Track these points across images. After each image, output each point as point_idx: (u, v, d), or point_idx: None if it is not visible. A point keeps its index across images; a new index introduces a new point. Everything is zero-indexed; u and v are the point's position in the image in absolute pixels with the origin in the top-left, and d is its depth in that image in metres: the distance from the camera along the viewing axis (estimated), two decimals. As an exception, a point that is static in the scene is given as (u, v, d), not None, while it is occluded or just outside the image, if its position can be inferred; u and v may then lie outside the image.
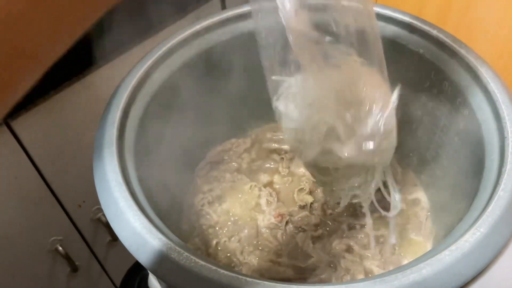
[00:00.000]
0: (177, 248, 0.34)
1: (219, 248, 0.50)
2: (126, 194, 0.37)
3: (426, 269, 0.31)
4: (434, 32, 0.46)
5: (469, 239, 0.32)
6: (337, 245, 0.49)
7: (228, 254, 0.49)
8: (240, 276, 0.32)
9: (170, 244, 0.34)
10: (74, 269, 0.78)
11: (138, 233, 0.35)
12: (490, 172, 0.38)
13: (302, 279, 0.47)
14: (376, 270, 0.48)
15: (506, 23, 0.53)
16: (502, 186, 0.35)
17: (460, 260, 0.31)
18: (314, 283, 0.47)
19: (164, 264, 0.33)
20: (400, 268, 0.32)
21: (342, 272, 0.47)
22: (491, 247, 0.33)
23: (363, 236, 0.50)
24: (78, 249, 0.78)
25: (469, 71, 0.43)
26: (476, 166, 0.41)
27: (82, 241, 0.79)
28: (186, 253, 0.33)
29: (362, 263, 0.48)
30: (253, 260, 0.48)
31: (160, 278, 0.34)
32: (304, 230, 0.50)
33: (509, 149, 0.37)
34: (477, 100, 0.42)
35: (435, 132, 0.50)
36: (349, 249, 0.49)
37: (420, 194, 0.54)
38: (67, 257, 0.75)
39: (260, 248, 0.50)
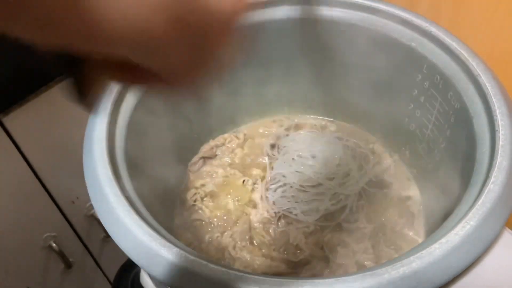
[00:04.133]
0: (167, 243, 0.33)
1: (211, 243, 0.50)
2: (116, 189, 0.37)
3: (416, 263, 0.31)
4: (426, 26, 0.46)
5: (459, 232, 0.32)
6: (330, 239, 0.49)
7: (221, 249, 0.49)
8: (230, 271, 0.32)
9: (160, 239, 0.34)
10: (68, 265, 0.78)
11: (129, 229, 0.35)
12: (481, 165, 0.38)
13: (294, 274, 0.47)
14: (369, 265, 0.48)
15: (498, 17, 0.53)
16: (492, 179, 0.35)
17: (450, 253, 0.32)
18: (306, 277, 0.47)
19: (154, 259, 0.33)
20: (391, 262, 0.31)
21: (335, 267, 0.47)
22: (481, 240, 0.33)
23: (355, 230, 0.50)
24: (72, 245, 0.78)
25: (461, 65, 0.43)
26: (468, 159, 0.41)
27: (76, 237, 0.79)
28: (176, 248, 0.33)
29: (355, 257, 0.48)
30: (246, 255, 0.48)
31: (151, 273, 0.34)
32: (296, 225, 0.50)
33: (499, 142, 0.37)
34: (469, 93, 0.42)
35: (427, 125, 0.50)
36: (342, 244, 0.49)
37: (413, 188, 0.54)
38: (61, 254, 0.75)
39: (252, 243, 0.49)
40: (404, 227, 0.51)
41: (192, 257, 0.32)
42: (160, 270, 0.33)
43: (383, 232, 0.50)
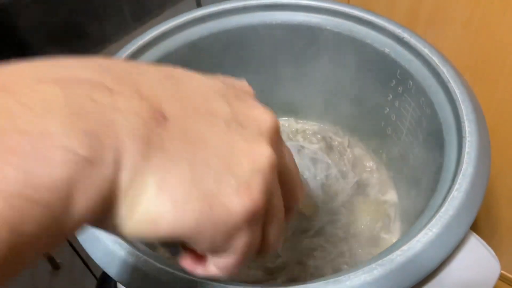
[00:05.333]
0: (136, 252, 0.34)
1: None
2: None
3: (378, 270, 0.31)
4: (399, 32, 0.47)
5: (421, 239, 0.33)
6: (307, 244, 0.50)
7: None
8: (197, 280, 0.32)
9: (131, 249, 0.34)
10: (56, 267, 0.78)
11: (102, 240, 0.35)
12: (448, 171, 0.38)
13: (272, 280, 0.47)
14: (346, 268, 0.48)
15: (474, 22, 0.53)
16: (456, 186, 0.35)
17: (411, 260, 0.32)
18: (283, 282, 0.47)
19: (128, 271, 0.34)
20: (353, 269, 0.32)
21: (311, 270, 0.48)
22: (443, 247, 0.33)
23: (333, 234, 0.51)
24: (60, 246, 0.79)
25: (431, 71, 0.44)
26: (438, 165, 0.41)
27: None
28: (144, 257, 0.33)
29: (331, 261, 0.49)
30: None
31: (121, 282, 0.35)
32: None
33: (465, 149, 0.37)
34: (439, 99, 0.43)
35: (402, 130, 0.50)
36: (318, 248, 0.50)
37: (390, 192, 0.55)
38: (48, 256, 0.75)
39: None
40: (381, 231, 0.51)
41: (158, 265, 0.33)
42: (130, 279, 0.33)
43: (360, 235, 0.51)
